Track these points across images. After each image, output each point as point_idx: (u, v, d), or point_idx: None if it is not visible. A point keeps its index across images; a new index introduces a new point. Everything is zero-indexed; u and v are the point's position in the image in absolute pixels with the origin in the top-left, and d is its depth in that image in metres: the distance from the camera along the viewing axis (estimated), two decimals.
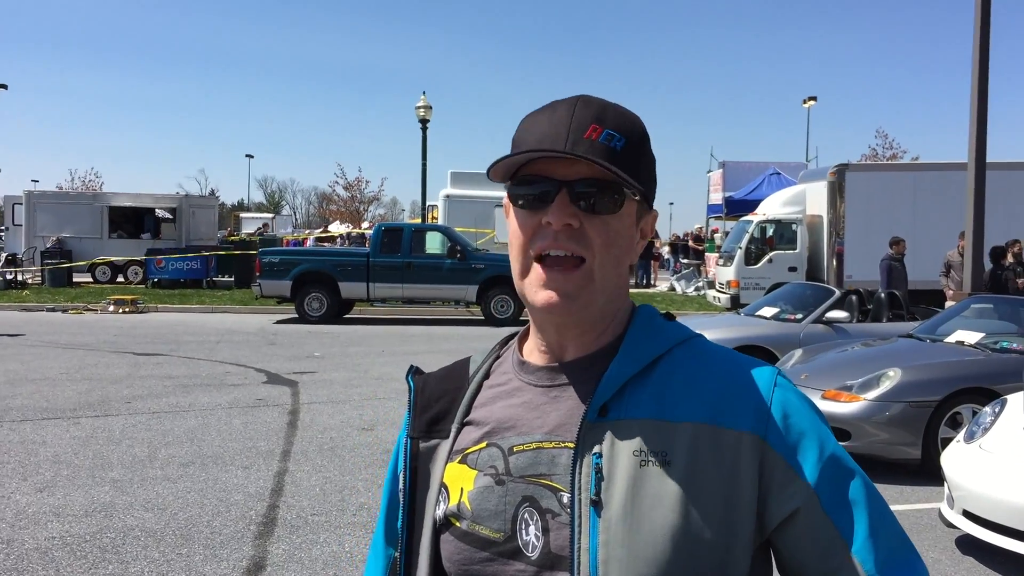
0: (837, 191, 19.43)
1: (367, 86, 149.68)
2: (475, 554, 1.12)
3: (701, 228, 34.35)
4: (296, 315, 18.99)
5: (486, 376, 1.25)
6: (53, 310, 20.65)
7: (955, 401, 7.16)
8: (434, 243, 19.54)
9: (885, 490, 6.72)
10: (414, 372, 1.31)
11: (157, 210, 30.43)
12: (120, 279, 27.79)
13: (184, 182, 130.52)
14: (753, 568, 1.09)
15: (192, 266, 25.86)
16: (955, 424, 7.09)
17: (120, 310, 20.40)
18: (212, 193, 57.50)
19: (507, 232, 1.20)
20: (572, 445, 1.09)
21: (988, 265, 13.36)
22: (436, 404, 1.25)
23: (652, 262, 30.60)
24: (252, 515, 6.03)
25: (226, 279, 27.10)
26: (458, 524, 1.14)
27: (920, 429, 7.08)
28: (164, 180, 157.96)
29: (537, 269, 1.12)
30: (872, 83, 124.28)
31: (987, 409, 5.83)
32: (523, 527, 1.10)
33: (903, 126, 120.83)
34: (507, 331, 1.36)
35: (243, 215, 51.81)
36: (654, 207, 1.22)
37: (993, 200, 14.22)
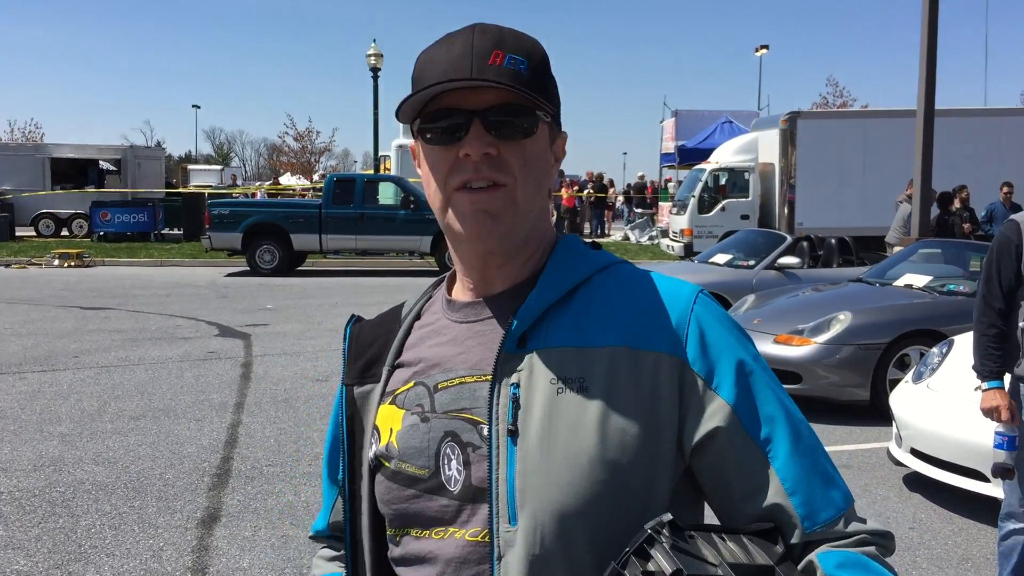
0: (789, 139, 19.54)
1: (316, 35, 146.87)
2: (402, 492, 1.12)
3: (643, 176, 34.33)
4: (248, 268, 18.72)
5: (417, 318, 1.24)
6: None
7: (903, 343, 7.29)
8: (387, 194, 19.32)
9: (835, 431, 6.85)
10: (353, 321, 1.31)
11: (101, 162, 29.68)
12: (64, 232, 27.13)
13: (129, 134, 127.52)
14: (677, 495, 1.08)
15: (139, 219, 25.30)
16: (903, 365, 7.23)
17: (65, 264, 19.94)
18: (158, 145, 56.06)
19: (424, 183, 1.18)
20: (489, 377, 1.09)
21: (936, 211, 13.56)
22: (369, 350, 1.24)
23: (606, 212, 30.64)
24: (206, 467, 5.97)
25: (175, 232, 26.59)
26: (388, 464, 1.14)
27: (869, 371, 7.21)
28: (108, 132, 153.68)
29: (460, 197, 1.10)
30: (824, 32, 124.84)
31: (934, 350, 5.94)
32: (445, 462, 1.09)
33: (854, 75, 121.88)
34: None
35: (191, 167, 50.67)
36: (563, 129, 1.21)
37: (942, 146, 14.40)
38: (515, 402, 1.06)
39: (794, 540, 1.03)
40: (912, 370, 6.10)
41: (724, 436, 1.05)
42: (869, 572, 0.99)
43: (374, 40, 25.68)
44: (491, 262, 1.14)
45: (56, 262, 20.03)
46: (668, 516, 0.97)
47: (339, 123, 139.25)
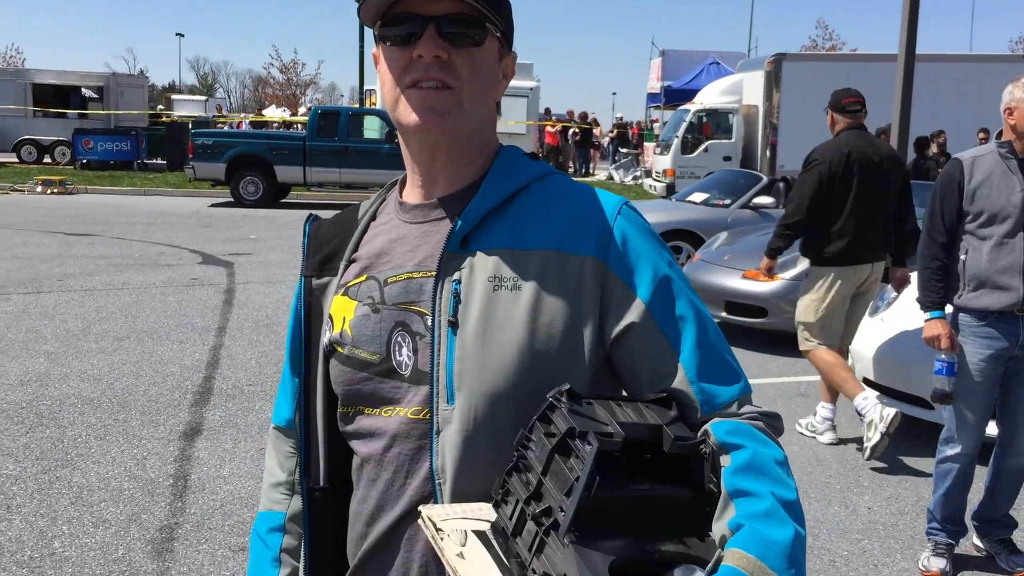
0: (773, 81, 19.56)
1: None
2: (356, 375, 1.25)
3: (621, 117, 34.19)
4: (231, 199, 18.75)
5: (373, 218, 1.35)
6: None
7: None
8: (372, 127, 19.28)
9: (796, 363, 7.10)
10: (312, 220, 1.42)
11: (83, 89, 29.30)
12: (47, 159, 26.94)
13: (111, 62, 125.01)
14: (596, 383, 1.22)
15: (122, 147, 25.13)
16: None
17: (48, 191, 19.89)
18: (141, 73, 55.27)
19: (380, 87, 1.28)
20: (434, 274, 1.22)
21: (912, 155, 13.74)
22: (328, 245, 1.35)
23: (592, 151, 30.63)
24: (188, 385, 6.18)
25: (158, 162, 26.46)
26: (341, 350, 1.27)
27: None
28: (90, 60, 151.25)
29: (411, 94, 1.20)
30: None
31: (889, 286, 6.16)
32: (396, 349, 1.22)
33: (844, 19, 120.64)
34: None
35: (175, 97, 50.02)
36: (513, 49, 1.31)
37: (922, 92, 14.51)
38: (456, 297, 1.18)
39: (694, 421, 1.17)
40: (870, 305, 6.34)
41: (638, 330, 1.19)
42: (754, 438, 1.13)
43: None
44: (437, 158, 1.25)
45: (39, 188, 19.97)
46: (566, 386, 1.11)
47: (326, 56, 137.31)
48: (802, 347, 5.50)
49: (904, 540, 4.18)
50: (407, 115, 1.21)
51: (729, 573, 0.97)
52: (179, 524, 4.09)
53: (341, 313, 1.28)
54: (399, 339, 1.22)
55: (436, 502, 1.18)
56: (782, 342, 7.31)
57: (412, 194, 1.31)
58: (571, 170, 28.42)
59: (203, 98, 53.32)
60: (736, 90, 21.06)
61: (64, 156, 26.40)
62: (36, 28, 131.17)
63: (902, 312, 5.64)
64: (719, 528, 1.04)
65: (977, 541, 4.07)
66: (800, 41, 79.98)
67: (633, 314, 1.19)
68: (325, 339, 1.30)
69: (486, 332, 1.17)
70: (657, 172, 21.71)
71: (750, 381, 1.26)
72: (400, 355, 1.22)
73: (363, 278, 1.28)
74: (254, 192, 18.59)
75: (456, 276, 1.19)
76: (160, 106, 38.10)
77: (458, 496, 1.17)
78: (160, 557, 3.78)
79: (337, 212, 1.45)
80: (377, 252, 1.29)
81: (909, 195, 5.55)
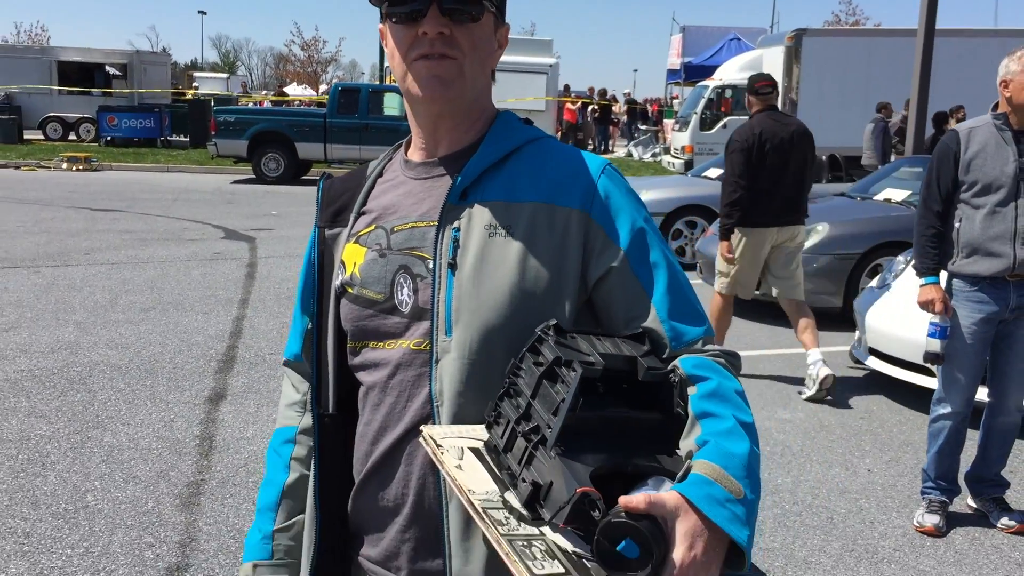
0: (794, 57, 19.49)
1: None
2: (362, 312, 1.40)
3: (628, 93, 34.10)
4: (253, 175, 18.98)
5: (380, 175, 1.50)
6: (5, 166, 20.39)
7: (877, 253, 7.62)
8: (392, 104, 19.39)
9: None
10: (325, 177, 1.58)
11: (107, 66, 29.59)
12: (72, 136, 27.29)
13: (134, 39, 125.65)
14: (578, 321, 1.37)
15: (146, 124, 25.43)
16: (876, 275, 7.55)
17: (73, 167, 20.20)
18: (164, 51, 55.62)
19: (389, 60, 1.42)
20: (436, 223, 1.36)
21: (931, 130, 13.72)
22: (339, 199, 1.51)
23: (611, 127, 30.61)
24: (212, 353, 6.39)
25: (181, 139, 26.74)
26: (351, 290, 1.42)
27: (843, 280, 7.56)
28: (113, 37, 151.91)
29: (417, 65, 1.34)
30: None
31: (899, 257, 6.27)
32: (398, 289, 1.37)
33: None
34: None
35: (197, 74, 50.35)
36: (506, 21, 1.45)
37: (944, 67, 14.47)
38: (455, 243, 1.33)
39: (664, 356, 1.33)
40: (878, 276, 6.45)
41: (616, 274, 1.35)
42: (717, 371, 1.29)
43: None
44: (440, 124, 1.40)
45: (64, 165, 20.28)
46: (554, 321, 1.27)
47: (346, 33, 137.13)
48: (715, 288, 6.26)
49: (901, 500, 4.32)
50: (415, 86, 1.35)
51: (696, 480, 1.12)
52: (205, 480, 4.29)
53: (352, 259, 1.42)
54: (400, 280, 1.37)
55: (435, 423, 1.33)
56: None
57: (416, 154, 1.45)
58: (590, 147, 28.43)
59: (225, 75, 53.63)
60: (756, 66, 20.95)
61: (89, 133, 26.73)
62: (60, 5, 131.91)
63: (910, 284, 5.74)
64: (687, 445, 1.20)
65: (971, 502, 4.20)
66: (824, 16, 79.29)
67: (612, 260, 1.34)
68: (337, 282, 1.44)
69: (482, 273, 1.31)
70: (676, 149, 21.73)
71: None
72: (401, 294, 1.36)
73: (372, 228, 1.42)
74: (275, 169, 18.80)
75: (456, 224, 1.34)
76: (186, 86, 38.28)
77: (454, 418, 1.31)
78: (188, 510, 3.99)
79: (347, 171, 1.60)
80: (385, 205, 1.44)
81: (814, 166, 6.39)
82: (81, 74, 28.53)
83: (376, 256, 1.40)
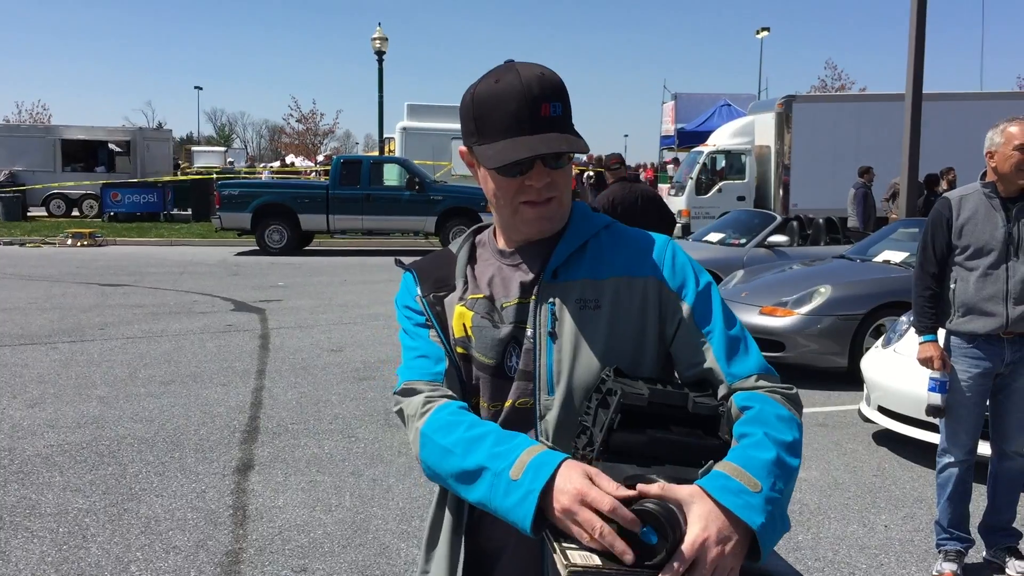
0: (784, 122, 20.01)
1: (321, 17, 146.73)
2: (474, 371, 1.62)
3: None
4: (257, 247, 19.25)
5: (469, 255, 1.71)
6: (10, 243, 20.67)
7: (879, 314, 7.83)
8: (392, 175, 19.82)
9: (814, 395, 7.40)
10: (404, 266, 1.77)
11: (110, 144, 30.13)
12: (75, 213, 27.67)
13: (130, 115, 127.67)
14: (663, 369, 1.62)
15: (149, 199, 25.86)
16: (879, 335, 7.75)
17: (78, 243, 20.48)
18: (160, 126, 56.44)
19: (482, 183, 1.62)
20: (535, 298, 1.60)
21: (924, 192, 14.05)
22: (436, 272, 1.72)
23: None
24: (235, 424, 6.52)
25: (183, 213, 27.11)
26: (460, 350, 1.63)
27: (847, 340, 7.76)
28: (110, 113, 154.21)
29: (526, 210, 1.57)
30: (825, 14, 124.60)
31: (903, 318, 6.47)
32: (508, 356, 1.60)
33: (854, 58, 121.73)
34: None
35: (194, 148, 51.07)
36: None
37: (930, 129, 14.88)
38: (553, 315, 1.56)
39: (722, 392, 1.54)
40: (883, 336, 6.64)
41: (684, 326, 1.59)
42: (762, 402, 1.49)
43: (379, 23, 26.10)
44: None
45: (69, 241, 20.58)
46: (614, 366, 1.51)
47: (343, 104, 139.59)
48: None
49: (919, 554, 4.45)
50: (529, 226, 1.60)
51: (714, 474, 1.34)
52: (243, 549, 4.41)
53: (461, 320, 1.63)
54: (511, 349, 1.59)
55: None
56: (801, 375, 7.61)
57: (507, 243, 1.68)
58: None
59: (222, 149, 54.34)
60: (748, 131, 21.51)
61: (92, 209, 27.14)
62: (57, 82, 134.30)
63: (915, 343, 5.93)
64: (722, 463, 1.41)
65: (986, 553, 4.34)
66: (810, 81, 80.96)
67: (681, 314, 1.59)
68: (452, 339, 1.64)
69: (577, 340, 1.55)
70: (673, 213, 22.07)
71: None
72: (511, 361, 1.59)
73: (480, 295, 1.64)
74: (279, 240, 19.10)
75: (551, 300, 1.57)
76: (183, 159, 38.83)
77: None
78: None
79: (426, 254, 1.82)
80: (488, 279, 1.65)
81: (667, 218, 7.82)
82: (85, 151, 29.05)
83: (489, 325, 1.61)
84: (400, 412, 1.63)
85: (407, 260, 1.81)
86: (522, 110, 1.49)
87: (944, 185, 14.14)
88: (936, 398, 4.11)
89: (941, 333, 4.21)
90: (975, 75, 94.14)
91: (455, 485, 1.47)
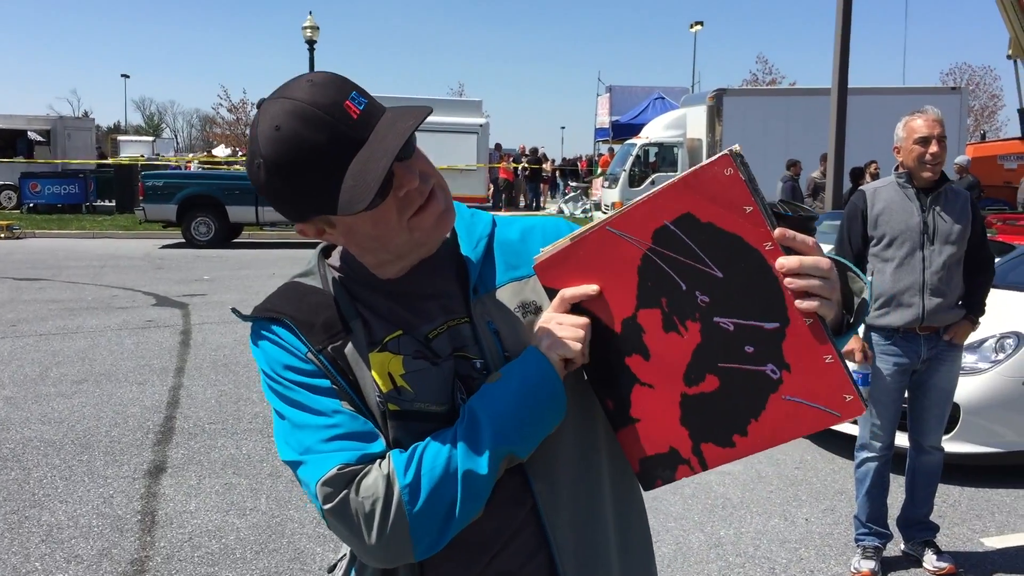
0: (716, 115, 20.21)
1: (251, 4, 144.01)
2: (424, 427, 1.28)
3: (537, 149, 34.45)
4: (183, 240, 18.77)
5: (343, 287, 1.36)
6: None
7: None
8: None
9: None
10: (271, 318, 1.34)
11: (30, 132, 29.12)
12: None
13: (55, 103, 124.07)
14: None
15: (70, 190, 25.03)
16: None
17: None
18: (86, 115, 54.90)
19: (344, 242, 1.30)
20: (467, 320, 1.33)
21: (848, 185, 14.30)
22: (315, 316, 1.33)
23: (541, 184, 31.10)
24: (150, 425, 6.29)
25: (106, 204, 26.32)
26: (395, 407, 1.28)
27: None
28: (34, 102, 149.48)
29: (418, 219, 1.25)
30: (757, 9, 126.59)
31: None
32: (458, 396, 1.31)
33: (785, 53, 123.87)
34: None
35: (121, 138, 49.70)
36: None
37: (855, 123, 15.14)
38: (497, 335, 1.32)
39: None
40: None
41: None
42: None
43: (310, 12, 25.65)
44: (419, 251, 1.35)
45: None
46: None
47: (270, 91, 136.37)
48: None
49: (839, 548, 4.46)
50: (431, 233, 1.27)
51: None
52: (149, 557, 4.22)
53: (385, 369, 1.29)
54: (458, 386, 1.31)
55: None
56: None
57: (392, 269, 1.35)
58: (522, 204, 28.83)
59: (150, 139, 53.03)
60: (680, 124, 21.68)
61: (10, 200, 26.17)
62: None
63: None
64: None
65: (904, 546, 4.37)
66: (742, 75, 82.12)
67: None
68: (375, 398, 1.29)
69: None
70: (606, 205, 22.18)
71: None
72: (458, 401, 1.31)
73: (397, 332, 1.32)
74: (206, 232, 18.63)
75: (487, 318, 1.33)
76: (109, 150, 37.75)
77: (551, 492, 1.35)
78: None
79: (272, 295, 1.40)
80: (388, 311, 1.34)
81: None
82: (3, 141, 28.03)
83: (428, 365, 1.30)
84: (341, 508, 1.24)
85: (262, 304, 1.40)
86: (335, 130, 1.17)
87: (867, 179, 14.39)
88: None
89: (863, 327, 4.22)
90: (899, 71, 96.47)
91: (485, 482, 1.24)
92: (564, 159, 36.48)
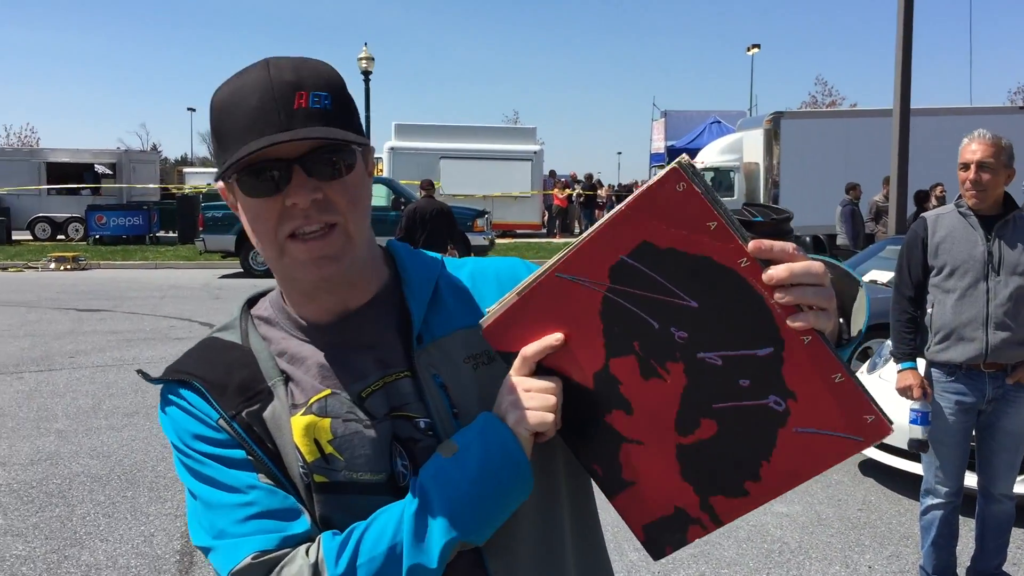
0: (773, 138, 19.85)
1: (308, 37, 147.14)
2: (359, 499, 1.13)
3: (590, 175, 34.16)
4: (241, 269, 18.99)
5: (266, 341, 1.22)
6: None
7: (867, 336, 7.59)
8: (379, 195, 19.59)
9: None
10: (179, 381, 1.20)
11: (97, 165, 29.92)
12: (60, 236, 27.41)
13: (125, 137, 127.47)
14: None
15: (134, 221, 25.61)
16: (867, 358, 7.51)
17: (62, 267, 20.21)
18: (154, 148, 56.37)
19: (241, 218, 1.16)
20: (408, 373, 1.17)
21: (913, 208, 13.86)
22: (229, 376, 1.18)
23: (596, 211, 30.91)
24: None
25: (169, 235, 26.87)
26: (324, 479, 1.13)
27: None
28: (104, 136, 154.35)
29: (294, 246, 1.11)
30: (815, 30, 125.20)
31: (888, 342, 6.23)
32: (396, 462, 1.14)
33: (844, 74, 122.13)
34: None
35: (187, 170, 50.91)
36: (369, 143, 1.19)
37: (919, 145, 14.72)
38: (444, 389, 1.15)
39: None
40: (868, 360, 6.40)
41: None
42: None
43: (365, 43, 25.98)
44: (338, 291, 1.19)
45: (52, 265, 20.29)
46: None
47: None
48: None
49: None
50: (301, 270, 1.13)
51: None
52: None
53: (310, 435, 1.14)
54: (397, 451, 1.15)
55: None
56: None
57: (314, 312, 1.21)
58: (576, 230, 28.69)
59: (215, 170, 54.13)
60: (737, 148, 21.36)
61: (77, 232, 26.86)
62: (51, 107, 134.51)
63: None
64: None
65: None
66: (800, 97, 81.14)
67: None
68: (299, 469, 1.14)
69: (488, 409, 1.15)
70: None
71: None
72: (398, 467, 1.15)
73: (324, 392, 1.16)
74: (263, 262, 18.78)
75: (433, 371, 1.17)
76: (175, 182, 38.64)
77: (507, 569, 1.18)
78: None
79: (185, 354, 1.25)
80: (315, 367, 1.18)
81: (453, 229, 11.01)
82: (71, 174, 28.84)
83: (360, 428, 1.14)
84: None
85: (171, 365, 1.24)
86: (266, 103, 1.07)
87: (933, 201, 13.94)
88: (917, 431, 3.86)
89: (923, 362, 3.97)
90: (964, 90, 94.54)
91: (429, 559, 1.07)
92: (620, 184, 36.28)
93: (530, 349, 1.11)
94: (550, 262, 1.07)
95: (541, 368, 1.13)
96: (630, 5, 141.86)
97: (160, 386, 1.22)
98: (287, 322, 1.23)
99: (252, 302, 1.30)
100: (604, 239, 1.03)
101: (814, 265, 0.97)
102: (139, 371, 1.27)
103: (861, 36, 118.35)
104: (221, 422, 1.16)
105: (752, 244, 0.97)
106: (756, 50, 45.10)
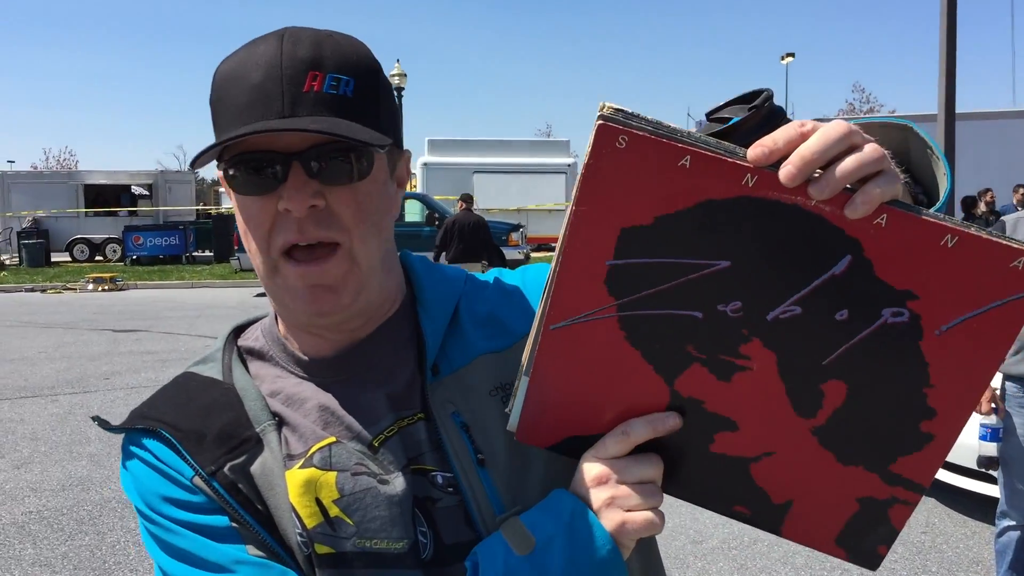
0: None
1: None
2: (377, 574, 0.92)
3: None
4: None
5: (254, 378, 1.01)
6: (32, 290, 20.58)
7: None
8: (413, 211, 19.52)
9: None
10: (143, 421, 0.96)
11: (133, 187, 30.26)
12: (98, 257, 27.71)
13: (163, 158, 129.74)
14: None
15: (171, 241, 25.82)
16: None
17: (99, 288, 20.35)
18: (191, 168, 57.01)
19: (237, 220, 0.96)
20: (423, 416, 0.95)
21: (961, 214, 13.49)
22: (206, 422, 0.95)
23: None
24: None
25: (205, 254, 27.04)
26: (328, 549, 0.91)
27: None
28: (142, 157, 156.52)
29: (287, 268, 0.90)
30: (850, 37, 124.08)
31: None
32: (416, 529, 0.93)
33: (882, 80, 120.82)
34: None
35: (223, 189, 51.42)
36: (405, 147, 1.01)
37: (964, 150, 14.34)
38: (466, 430, 0.94)
39: None
40: None
41: None
42: None
43: (397, 60, 25.99)
44: (345, 324, 0.98)
45: (90, 286, 20.45)
46: None
47: None
48: None
49: None
50: (293, 299, 0.92)
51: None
52: None
53: (311, 494, 0.91)
54: (416, 513, 0.93)
55: None
56: None
57: (316, 344, 1.00)
58: None
59: None
60: None
61: (115, 253, 27.14)
62: (90, 129, 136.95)
63: None
64: None
65: None
66: (837, 104, 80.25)
67: None
68: (297, 536, 0.92)
69: (523, 451, 0.93)
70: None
71: None
72: (420, 536, 0.93)
73: (327, 440, 0.94)
74: None
75: (451, 409, 0.94)
76: (212, 202, 39.02)
77: None
78: None
79: (154, 395, 1.03)
80: (316, 410, 0.96)
81: (489, 242, 11.53)
82: (107, 196, 29.19)
83: (374, 485, 0.92)
84: None
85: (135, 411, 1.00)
86: (271, 81, 0.86)
87: (982, 207, 13.56)
88: (988, 447, 3.61)
89: (998, 376, 3.71)
90: (1007, 92, 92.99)
91: None
92: None
93: (638, 430, 0.85)
94: (536, 319, 0.84)
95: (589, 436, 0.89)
96: (662, 17, 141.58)
97: (122, 436, 0.97)
98: (282, 355, 1.01)
99: (240, 330, 1.08)
100: (575, 256, 0.80)
101: (830, 130, 0.71)
102: (94, 417, 1.02)
103: (898, 42, 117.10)
104: (197, 480, 0.92)
105: (751, 153, 0.71)
106: (790, 59, 44.65)
